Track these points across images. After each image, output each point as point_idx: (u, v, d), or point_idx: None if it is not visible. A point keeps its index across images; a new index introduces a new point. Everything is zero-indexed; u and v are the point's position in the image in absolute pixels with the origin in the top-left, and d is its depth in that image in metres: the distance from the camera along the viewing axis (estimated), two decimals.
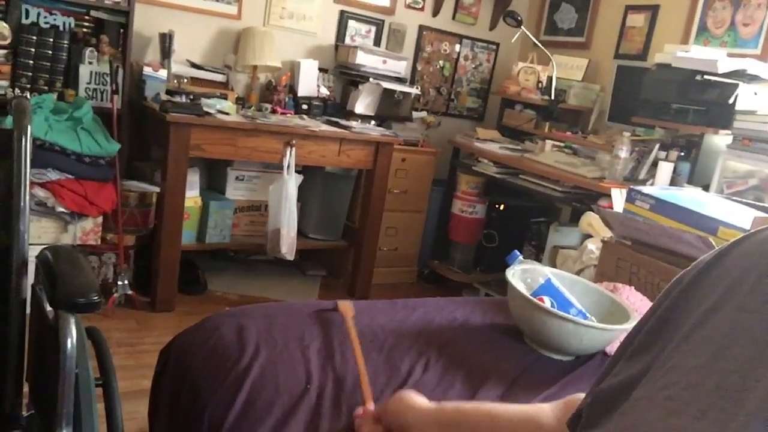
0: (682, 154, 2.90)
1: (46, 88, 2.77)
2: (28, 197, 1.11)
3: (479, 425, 0.79)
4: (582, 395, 0.69)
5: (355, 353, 1.25)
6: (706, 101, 2.78)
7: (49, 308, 1.05)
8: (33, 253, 1.15)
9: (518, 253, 1.58)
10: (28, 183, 1.11)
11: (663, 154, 2.92)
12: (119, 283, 2.86)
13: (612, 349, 1.52)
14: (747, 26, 3.07)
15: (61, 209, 2.63)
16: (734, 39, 3.12)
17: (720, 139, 2.80)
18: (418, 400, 0.88)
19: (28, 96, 2.70)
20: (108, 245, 2.87)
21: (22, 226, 1.12)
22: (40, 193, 2.59)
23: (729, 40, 3.14)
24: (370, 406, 1.03)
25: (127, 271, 2.92)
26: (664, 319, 0.56)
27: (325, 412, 1.08)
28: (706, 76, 2.75)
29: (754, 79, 2.76)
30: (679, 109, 2.90)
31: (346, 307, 1.48)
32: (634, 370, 0.54)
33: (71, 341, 0.91)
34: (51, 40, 2.76)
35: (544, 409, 0.77)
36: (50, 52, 2.76)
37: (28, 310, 1.22)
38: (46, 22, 2.76)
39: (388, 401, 0.94)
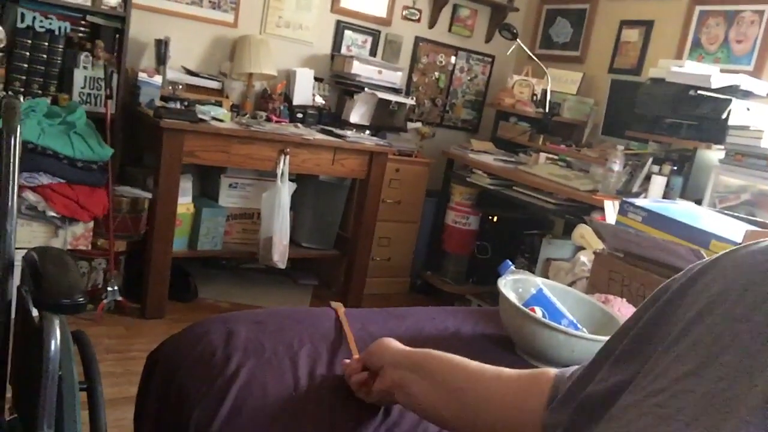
0: (675, 168, 2.91)
1: (39, 92, 2.76)
2: (15, 197, 1.09)
3: (441, 370, 0.87)
4: (553, 370, 0.70)
5: (347, 337, 1.35)
6: (699, 116, 2.79)
7: (34, 311, 1.04)
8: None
9: (510, 262, 1.57)
10: (16, 183, 1.09)
11: (656, 168, 2.93)
12: (109, 288, 2.84)
13: None
14: (740, 43, 3.10)
15: (51, 214, 2.61)
16: (727, 55, 3.14)
17: (713, 154, 2.81)
18: (394, 344, 1.03)
19: (22, 99, 2.69)
20: (99, 251, 2.85)
21: (9, 227, 1.10)
22: (31, 197, 2.57)
23: (722, 56, 3.16)
24: (356, 357, 1.16)
25: (117, 277, 2.90)
26: (650, 326, 0.56)
27: (309, 416, 1.07)
28: (699, 92, 2.76)
29: (747, 95, 2.78)
30: (673, 124, 2.92)
31: (338, 305, 1.55)
32: (621, 376, 0.54)
33: (55, 343, 0.90)
34: (46, 44, 2.75)
35: (503, 372, 0.81)
36: (45, 56, 2.76)
37: (13, 313, 1.20)
38: (41, 26, 2.75)
39: (370, 346, 1.06)
